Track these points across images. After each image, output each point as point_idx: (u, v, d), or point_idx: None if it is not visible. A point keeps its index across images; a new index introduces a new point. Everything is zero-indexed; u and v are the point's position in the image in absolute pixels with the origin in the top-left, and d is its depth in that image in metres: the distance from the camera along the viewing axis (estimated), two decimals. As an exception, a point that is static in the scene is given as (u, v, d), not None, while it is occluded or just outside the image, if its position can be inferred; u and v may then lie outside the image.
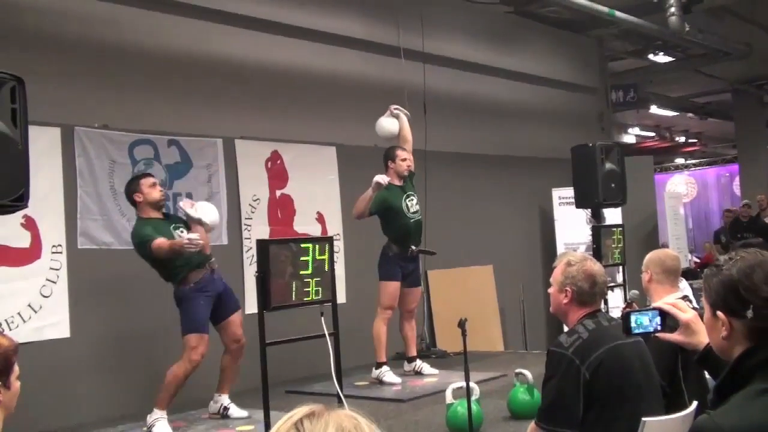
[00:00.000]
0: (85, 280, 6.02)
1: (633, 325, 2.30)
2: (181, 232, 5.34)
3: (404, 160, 6.46)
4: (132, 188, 5.46)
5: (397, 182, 6.43)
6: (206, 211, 5.44)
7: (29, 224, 5.74)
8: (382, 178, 6.11)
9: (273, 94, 7.58)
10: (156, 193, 5.39)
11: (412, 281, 6.58)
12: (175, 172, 6.75)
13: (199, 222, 5.34)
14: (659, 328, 2.30)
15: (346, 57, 8.30)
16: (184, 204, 5.49)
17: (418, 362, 6.71)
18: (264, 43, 7.57)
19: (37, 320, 5.75)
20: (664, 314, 2.30)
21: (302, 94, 7.83)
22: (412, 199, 6.49)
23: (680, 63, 13.03)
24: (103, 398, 5.97)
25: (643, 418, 2.80)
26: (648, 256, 3.83)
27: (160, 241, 5.11)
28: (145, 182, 5.43)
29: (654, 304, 2.48)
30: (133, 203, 5.46)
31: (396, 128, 6.59)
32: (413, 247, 6.47)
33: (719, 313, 1.82)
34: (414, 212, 6.46)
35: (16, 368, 2.48)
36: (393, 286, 6.39)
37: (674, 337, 2.28)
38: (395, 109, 6.62)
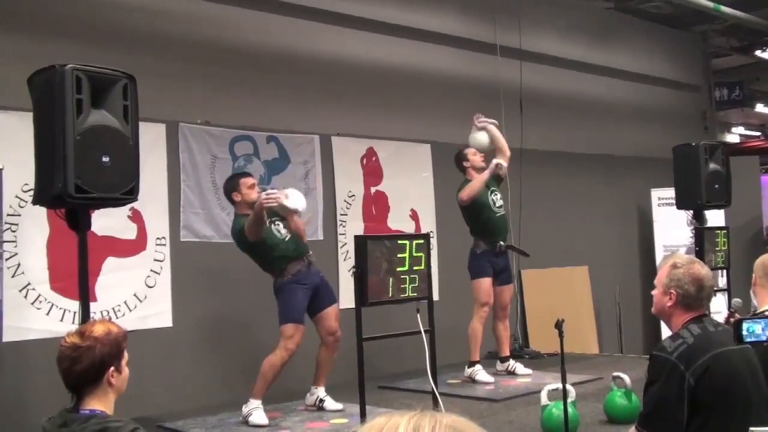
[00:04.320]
0: (186, 271, 6.22)
1: (744, 333, 2.24)
2: (277, 224, 5.45)
3: (475, 154, 6.51)
4: (231, 186, 5.58)
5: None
6: (297, 199, 5.43)
7: (135, 217, 5.98)
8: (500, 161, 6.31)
9: (369, 91, 7.65)
10: (254, 195, 5.46)
11: (504, 279, 6.56)
12: (273, 168, 6.90)
13: (296, 212, 5.40)
14: None
15: (442, 54, 8.30)
16: (278, 196, 5.27)
17: (512, 362, 6.65)
18: (361, 40, 7.64)
19: (142, 309, 5.99)
20: None
21: (397, 92, 7.87)
22: (497, 194, 6.52)
23: (789, 59, 12.49)
24: (204, 387, 6.16)
25: (751, 428, 2.70)
26: (757, 261, 3.73)
27: (248, 219, 5.18)
28: (245, 182, 5.54)
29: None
30: (232, 201, 5.58)
31: (486, 139, 6.51)
32: (502, 243, 6.45)
33: None
34: (499, 207, 6.50)
35: (126, 354, 2.60)
36: (486, 282, 6.39)
37: None
38: (480, 121, 6.52)
